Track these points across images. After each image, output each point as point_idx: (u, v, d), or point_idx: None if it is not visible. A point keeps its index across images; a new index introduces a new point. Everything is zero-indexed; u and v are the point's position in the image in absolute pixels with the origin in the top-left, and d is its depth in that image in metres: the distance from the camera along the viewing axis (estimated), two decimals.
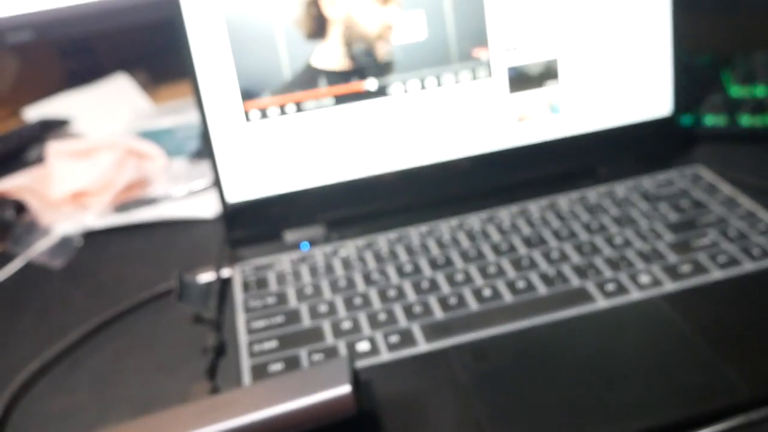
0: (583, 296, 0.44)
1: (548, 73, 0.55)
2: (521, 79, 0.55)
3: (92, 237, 0.62)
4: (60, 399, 0.44)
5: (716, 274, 0.45)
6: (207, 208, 0.62)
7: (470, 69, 0.54)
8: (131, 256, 0.59)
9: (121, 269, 0.57)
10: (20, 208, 0.65)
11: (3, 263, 0.59)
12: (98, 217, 0.63)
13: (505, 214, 0.54)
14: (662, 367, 0.39)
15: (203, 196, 0.65)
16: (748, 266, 0.45)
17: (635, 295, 0.44)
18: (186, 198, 0.65)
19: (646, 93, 0.57)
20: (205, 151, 0.61)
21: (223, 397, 0.37)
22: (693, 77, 0.65)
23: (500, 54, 0.54)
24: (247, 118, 0.52)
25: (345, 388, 0.35)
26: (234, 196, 0.54)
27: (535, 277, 0.47)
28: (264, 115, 0.53)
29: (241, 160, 0.53)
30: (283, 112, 0.53)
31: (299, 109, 0.53)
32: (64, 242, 0.61)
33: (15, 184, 0.67)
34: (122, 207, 0.64)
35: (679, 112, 0.58)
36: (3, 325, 0.52)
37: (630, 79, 0.56)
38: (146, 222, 0.62)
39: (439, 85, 0.54)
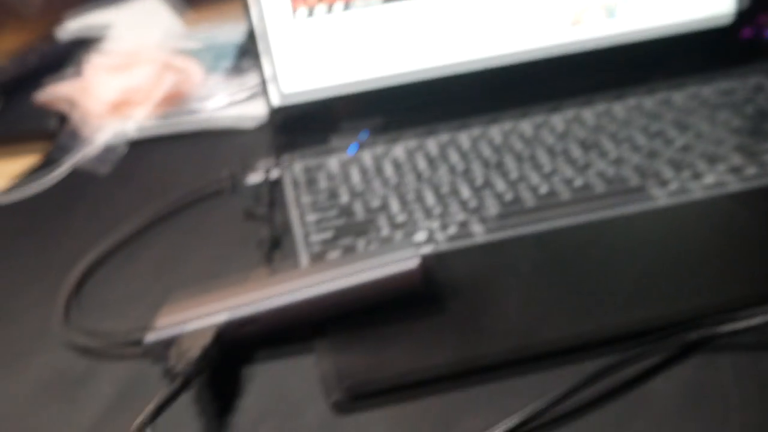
0: (643, 194, 0.44)
1: None
2: None
3: (136, 145, 0.61)
4: (120, 286, 0.44)
5: None
6: (250, 117, 0.62)
7: None
8: (176, 162, 0.58)
9: (168, 174, 0.56)
10: (63, 118, 0.65)
11: (50, 170, 0.59)
12: (140, 126, 0.63)
13: (558, 119, 0.52)
14: (728, 256, 0.38)
15: (244, 106, 0.64)
16: None
17: (698, 194, 0.43)
18: (227, 108, 0.64)
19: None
20: (251, 51, 0.60)
21: (291, 272, 0.37)
22: None
23: None
24: (294, 16, 0.51)
25: (413, 261, 0.35)
26: (281, 99, 0.53)
27: (593, 176, 0.46)
28: (311, 13, 0.51)
29: (289, 60, 0.52)
30: (330, 9, 0.51)
31: (347, 7, 0.51)
32: (109, 149, 0.60)
33: (56, 94, 0.67)
34: (164, 116, 0.63)
35: (741, 20, 0.56)
36: (55, 225, 0.52)
37: None
38: (189, 131, 0.62)
39: None
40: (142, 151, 0.60)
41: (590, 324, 0.35)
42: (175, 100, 0.66)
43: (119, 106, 0.65)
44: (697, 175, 0.44)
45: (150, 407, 0.32)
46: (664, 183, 0.44)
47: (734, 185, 0.43)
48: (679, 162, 0.46)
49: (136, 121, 0.63)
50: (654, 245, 0.40)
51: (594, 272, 0.38)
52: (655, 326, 0.35)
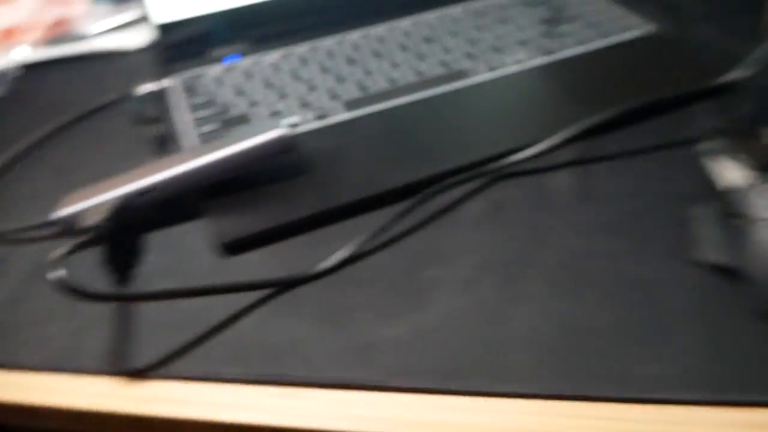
0: (471, 71, 0.54)
1: None
2: None
3: (28, 70, 0.66)
4: (26, 186, 0.51)
5: (578, 49, 0.55)
6: (133, 40, 0.68)
7: None
8: (69, 84, 0.64)
9: (61, 94, 0.62)
10: None
11: None
12: (31, 53, 0.68)
13: (407, 22, 0.62)
14: (525, 111, 0.49)
15: (128, 31, 0.70)
16: (601, 42, 0.55)
17: (511, 69, 0.54)
18: (113, 33, 0.70)
19: None
20: None
21: (180, 153, 0.45)
22: None
23: None
24: None
25: (278, 131, 0.44)
26: (162, 17, 0.60)
27: (434, 62, 0.55)
28: None
29: None
30: None
31: None
32: (1, 74, 0.65)
33: None
34: (53, 41, 0.68)
35: None
36: None
37: None
38: (78, 54, 0.67)
39: None
40: (34, 75, 0.66)
41: (419, 171, 0.45)
42: (63, 27, 0.71)
43: (8, 34, 0.69)
44: (510, 55, 0.55)
45: (63, 250, 0.37)
46: (484, 63, 0.54)
47: (539, 59, 0.54)
48: (498, 48, 0.56)
49: (26, 48, 0.68)
50: (471, 110, 0.50)
51: (425, 135, 0.48)
52: (469, 166, 0.45)
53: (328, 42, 0.60)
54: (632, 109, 0.46)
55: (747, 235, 0.35)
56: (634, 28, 0.57)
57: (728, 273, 0.36)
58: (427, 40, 0.59)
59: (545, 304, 0.37)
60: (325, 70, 0.56)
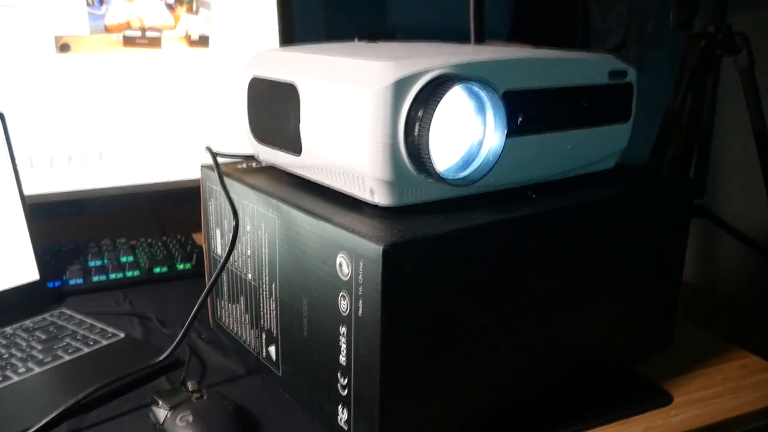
0: None
1: None
2: None
3: None
4: None
5: (66, 357, 0.76)
6: None
7: None
8: None
9: None
10: None
11: None
12: None
13: None
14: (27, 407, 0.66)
15: None
16: (85, 350, 0.77)
17: (15, 378, 0.71)
18: None
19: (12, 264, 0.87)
20: None
21: None
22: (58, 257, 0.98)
23: None
24: None
25: None
26: None
27: None
28: None
29: None
30: None
31: None
32: None
33: None
34: None
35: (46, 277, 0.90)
36: None
37: None
38: None
39: None
40: None
41: None
42: None
43: None
44: (15, 369, 0.73)
45: None
46: None
47: (38, 369, 0.73)
48: (3, 365, 0.74)
49: None
50: None
51: None
52: None
53: None
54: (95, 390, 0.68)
55: None
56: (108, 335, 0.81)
57: None
58: None
59: None
60: None
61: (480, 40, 1.32)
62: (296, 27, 1.15)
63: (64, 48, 1.00)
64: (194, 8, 1.06)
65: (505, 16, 1.94)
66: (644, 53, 2.16)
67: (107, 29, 1.02)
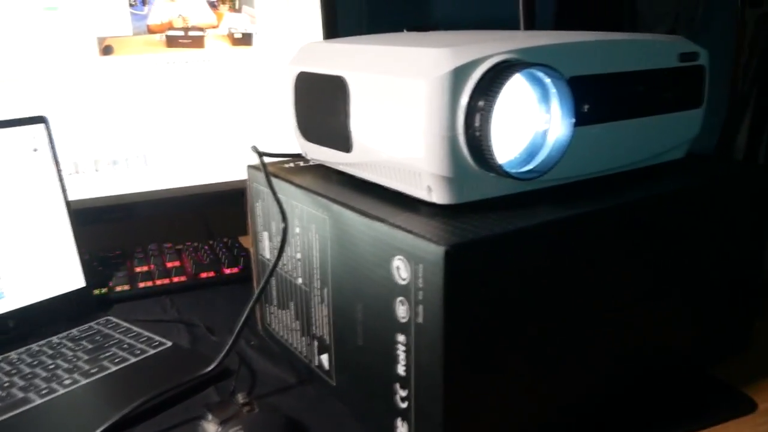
0: (24, 401, 0.67)
1: None
2: None
3: None
4: None
5: (113, 368, 0.73)
6: None
7: None
8: None
9: None
10: None
11: None
12: None
13: None
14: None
15: None
16: (132, 359, 0.75)
17: (61, 390, 0.69)
18: None
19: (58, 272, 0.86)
20: None
21: None
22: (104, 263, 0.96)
23: None
24: None
25: None
26: None
27: None
28: None
29: None
30: None
31: None
32: None
33: None
34: None
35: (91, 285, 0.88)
36: None
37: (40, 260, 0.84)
38: None
39: None
40: None
41: None
42: None
43: None
44: (60, 380, 0.71)
45: None
46: (39, 390, 0.69)
47: (84, 381, 0.71)
48: (49, 376, 0.72)
49: None
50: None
51: None
52: None
53: None
54: (141, 403, 0.65)
55: None
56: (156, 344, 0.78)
57: None
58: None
59: None
60: None
61: (530, 28, 1.26)
62: (339, 22, 1.11)
63: (107, 50, 0.98)
64: (237, 6, 1.03)
65: (549, 6, 1.87)
66: (695, 40, 2.07)
67: (150, 30, 0.99)
